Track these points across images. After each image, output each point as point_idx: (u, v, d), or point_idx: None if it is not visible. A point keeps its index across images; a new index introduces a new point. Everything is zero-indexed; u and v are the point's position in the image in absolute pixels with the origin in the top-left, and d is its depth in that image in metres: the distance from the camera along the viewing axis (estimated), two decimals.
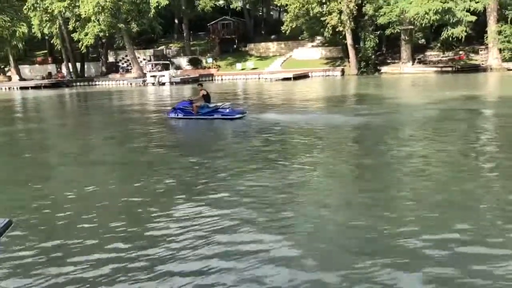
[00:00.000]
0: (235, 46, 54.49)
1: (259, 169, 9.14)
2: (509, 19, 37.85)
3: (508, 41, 37.98)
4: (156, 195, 7.76)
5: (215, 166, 9.59)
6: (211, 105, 16.93)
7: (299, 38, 47.78)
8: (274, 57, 51.11)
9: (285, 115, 17.18)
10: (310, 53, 49.61)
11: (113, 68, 53.07)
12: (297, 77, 40.84)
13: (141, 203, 7.33)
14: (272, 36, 54.29)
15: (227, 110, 16.57)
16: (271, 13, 64.11)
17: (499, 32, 38.30)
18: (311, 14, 41.81)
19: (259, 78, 44.12)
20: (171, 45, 56.59)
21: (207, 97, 16.99)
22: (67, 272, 5.03)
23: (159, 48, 55.68)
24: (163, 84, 41.87)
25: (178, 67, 50.05)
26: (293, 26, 43.13)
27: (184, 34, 54.30)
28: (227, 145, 12.64)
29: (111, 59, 54.73)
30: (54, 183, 9.20)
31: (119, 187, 8.54)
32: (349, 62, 43.88)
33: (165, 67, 46.14)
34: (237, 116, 16.38)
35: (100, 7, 41.18)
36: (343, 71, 43.92)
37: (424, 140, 11.84)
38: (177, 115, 17.09)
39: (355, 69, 42.93)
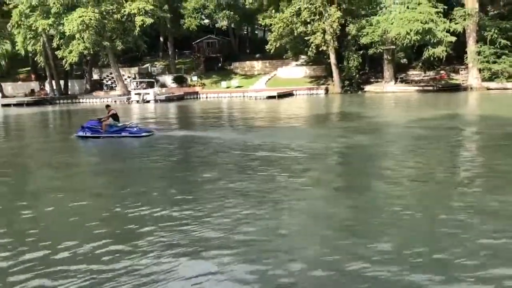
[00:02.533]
0: (220, 64, 54.77)
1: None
2: (487, 40, 38.77)
3: (487, 61, 38.81)
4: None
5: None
6: (119, 124, 17.96)
7: (284, 57, 48.24)
8: (259, 76, 51.46)
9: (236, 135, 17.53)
10: (295, 71, 50.09)
11: (98, 85, 52.78)
12: (281, 95, 41.11)
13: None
14: (257, 55, 54.77)
15: (135, 129, 17.68)
16: (256, 32, 64.78)
17: (478, 53, 39.17)
18: (295, 34, 42.32)
19: (243, 96, 44.30)
20: (156, 63, 56.64)
21: (115, 117, 18.01)
22: None
23: (144, 66, 55.65)
24: (148, 101, 41.75)
25: (163, 85, 50.01)
26: (277, 45, 43.56)
27: (169, 52, 54.45)
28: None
29: (95, 76, 54.47)
30: None
31: None
32: (333, 80, 44.38)
33: (150, 85, 46.06)
34: (144, 134, 17.40)
35: (85, 25, 41.09)
36: (327, 90, 44.37)
37: (403, 155, 11.97)
38: (85, 134, 17.73)
39: (339, 87, 43.40)
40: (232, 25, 57.38)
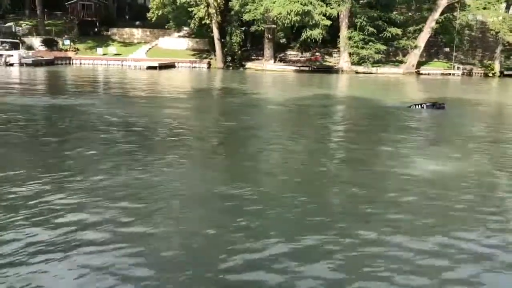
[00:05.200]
0: (96, 29, 51.09)
1: None
2: (357, 27, 41.83)
3: (356, 47, 41.99)
4: None
5: None
6: None
7: (166, 27, 46.74)
8: (139, 44, 49.25)
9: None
10: (177, 43, 48.92)
11: None
12: (163, 67, 39.98)
13: None
14: (137, 22, 52.21)
15: None
16: None
17: (349, 38, 42.15)
18: (177, 4, 41.19)
19: (122, 65, 42.16)
20: (21, 22, 50.85)
21: None
22: None
23: (7, 25, 49.54)
24: (11, 65, 37.51)
25: (29, 48, 45.21)
26: (159, 14, 42.05)
27: (38, 12, 49.23)
28: None
29: None
30: None
31: None
32: (215, 55, 44.33)
33: (14, 46, 41.33)
34: None
35: None
36: (209, 64, 44.24)
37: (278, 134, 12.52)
38: None
39: (221, 63, 43.55)
40: None
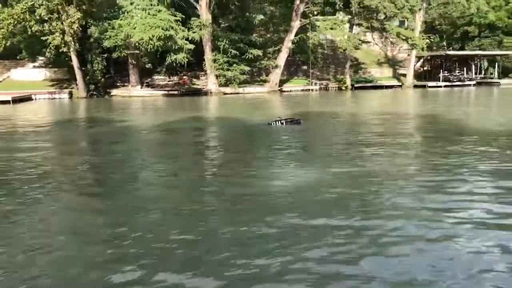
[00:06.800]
0: None
1: None
2: (221, 49, 43.15)
3: (222, 69, 43.26)
4: None
5: None
6: None
7: (18, 57, 43.20)
8: None
9: None
10: (32, 74, 45.36)
11: None
12: (17, 100, 36.68)
13: None
14: None
15: None
16: None
17: (214, 60, 43.28)
18: (29, 33, 38.36)
19: None
20: None
21: None
22: None
23: None
24: None
25: None
26: (7, 44, 38.68)
27: None
28: None
29: None
30: None
31: None
32: (77, 84, 42.07)
33: None
34: None
35: None
36: (71, 94, 41.83)
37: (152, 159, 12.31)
38: None
39: (84, 92, 41.48)
40: None
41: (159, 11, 39.93)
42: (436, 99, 37.26)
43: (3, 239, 6.49)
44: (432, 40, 54.64)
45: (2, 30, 38.10)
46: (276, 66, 45.87)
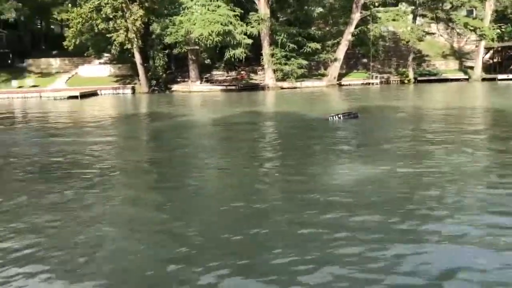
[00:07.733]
0: (9, 61, 48.53)
1: None
2: (279, 44, 42.95)
3: (279, 63, 43.05)
4: None
5: None
6: None
7: (85, 54, 45.34)
8: (58, 74, 47.37)
9: None
10: (98, 70, 47.54)
11: None
12: (84, 95, 38.56)
13: None
14: (54, 52, 50.19)
15: None
16: (52, 27, 59.42)
17: (272, 55, 43.14)
18: (96, 30, 40.15)
19: (40, 97, 40.13)
20: None
21: None
22: None
23: None
24: None
25: None
26: (77, 42, 40.70)
27: None
28: None
29: None
30: None
31: None
32: (139, 80, 43.54)
33: None
34: None
35: None
36: (133, 89, 43.35)
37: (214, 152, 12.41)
38: None
39: (146, 87, 42.83)
40: (22, 18, 51.32)
41: (218, 6, 40.38)
42: (507, 93, 34.96)
43: (64, 231, 6.73)
44: (503, 30, 51.17)
45: (72, 29, 40.14)
46: (335, 60, 44.99)
